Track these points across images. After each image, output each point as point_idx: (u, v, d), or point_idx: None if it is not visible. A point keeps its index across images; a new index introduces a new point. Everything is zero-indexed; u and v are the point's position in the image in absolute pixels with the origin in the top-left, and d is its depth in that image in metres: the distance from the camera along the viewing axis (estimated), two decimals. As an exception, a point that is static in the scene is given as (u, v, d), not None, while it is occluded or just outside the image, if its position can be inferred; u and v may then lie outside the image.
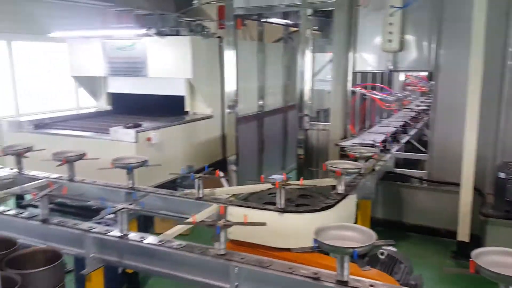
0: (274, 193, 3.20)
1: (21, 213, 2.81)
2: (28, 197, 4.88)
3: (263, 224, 2.43)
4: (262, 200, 3.19)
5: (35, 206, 4.35)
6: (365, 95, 5.99)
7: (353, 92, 5.43)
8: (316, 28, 6.40)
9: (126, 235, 2.52)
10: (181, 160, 5.49)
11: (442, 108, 4.76)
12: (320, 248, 2.03)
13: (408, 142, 5.96)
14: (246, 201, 3.25)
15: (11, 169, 3.84)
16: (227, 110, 6.13)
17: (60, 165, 3.51)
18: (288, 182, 2.95)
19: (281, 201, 2.80)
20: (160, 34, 5.56)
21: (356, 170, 3.30)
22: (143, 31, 5.31)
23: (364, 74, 5.81)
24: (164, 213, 3.31)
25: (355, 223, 4.23)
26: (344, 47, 5.05)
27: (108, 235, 2.53)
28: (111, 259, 2.55)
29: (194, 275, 2.33)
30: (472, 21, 4.01)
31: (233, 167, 6.31)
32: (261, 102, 7.07)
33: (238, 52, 6.06)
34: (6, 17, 7.17)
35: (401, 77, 8.60)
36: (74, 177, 3.57)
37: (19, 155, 3.76)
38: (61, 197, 3.08)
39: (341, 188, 3.18)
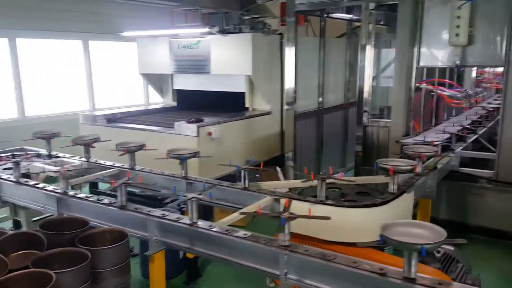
0: (331, 188, 3.26)
1: (102, 200, 3.07)
2: (101, 184, 5.32)
3: (327, 218, 2.44)
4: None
5: (107, 194, 4.76)
6: (432, 92, 5.76)
7: (419, 89, 5.25)
8: (382, 22, 6.26)
9: (195, 223, 2.69)
10: (240, 154, 5.64)
11: (512, 105, 4.46)
12: (387, 244, 2.04)
13: (477, 140, 5.65)
14: (300, 194, 3.31)
15: (80, 158, 4.22)
16: (285, 107, 6.19)
17: (121, 154, 3.82)
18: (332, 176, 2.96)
19: (321, 194, 2.85)
20: (222, 32, 5.75)
21: (409, 168, 3.19)
22: (206, 29, 5.51)
23: (430, 70, 5.59)
24: (224, 204, 3.46)
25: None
26: (408, 42, 4.89)
27: (180, 222, 2.72)
28: (181, 244, 2.76)
29: (257, 264, 2.44)
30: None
31: (290, 163, 6.38)
32: (320, 99, 7.05)
33: (300, 49, 6.09)
34: (82, 18, 7.81)
35: (473, 73, 8.11)
36: (135, 166, 3.86)
37: (88, 145, 4.13)
38: (137, 185, 3.35)
39: (393, 187, 3.10)
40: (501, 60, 4.50)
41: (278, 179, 5.55)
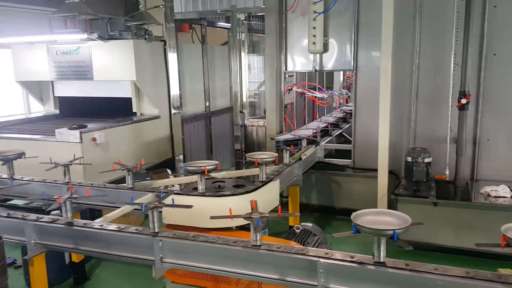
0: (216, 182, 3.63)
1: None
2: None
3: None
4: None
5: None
6: (302, 94, 6.48)
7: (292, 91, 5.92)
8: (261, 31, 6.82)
9: (71, 222, 2.81)
10: (129, 159, 5.72)
11: (361, 103, 5.30)
12: (360, 233, 2.15)
13: (341, 134, 6.52)
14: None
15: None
16: (173, 111, 6.44)
17: (2, 164, 3.75)
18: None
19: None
20: (102, 38, 5.80)
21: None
22: (85, 35, 5.52)
23: (302, 74, 6.29)
24: (107, 205, 3.59)
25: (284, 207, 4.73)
26: (275, 50, 5.50)
27: (56, 223, 2.82)
28: (58, 245, 2.84)
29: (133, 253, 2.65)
30: (382, 24, 4.50)
31: (181, 165, 6.64)
32: (207, 103, 7.42)
33: (183, 55, 6.37)
34: None
35: (341, 76, 9.18)
36: (13, 175, 3.82)
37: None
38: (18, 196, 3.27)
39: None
40: (351, 65, 5.32)
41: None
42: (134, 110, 6.33)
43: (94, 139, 5.09)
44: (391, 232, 2.04)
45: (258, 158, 3.58)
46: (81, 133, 4.93)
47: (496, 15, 4.53)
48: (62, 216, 2.85)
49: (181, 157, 6.70)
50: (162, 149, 6.59)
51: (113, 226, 2.72)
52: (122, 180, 4.67)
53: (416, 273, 2.06)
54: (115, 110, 6.51)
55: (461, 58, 4.58)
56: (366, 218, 2.25)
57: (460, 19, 4.61)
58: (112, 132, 5.46)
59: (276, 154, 3.76)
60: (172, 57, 6.16)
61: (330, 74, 8.44)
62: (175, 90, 6.38)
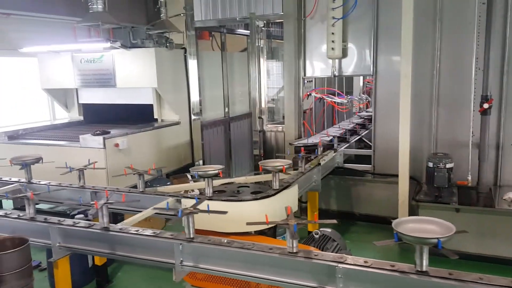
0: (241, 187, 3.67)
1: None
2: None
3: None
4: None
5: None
6: (321, 99, 6.48)
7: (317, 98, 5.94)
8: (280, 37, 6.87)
9: (91, 225, 2.90)
10: (150, 165, 5.79)
11: (381, 108, 5.28)
12: (402, 241, 2.09)
13: (361, 140, 6.48)
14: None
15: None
16: (193, 117, 6.54)
17: (21, 168, 3.89)
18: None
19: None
20: (125, 46, 5.95)
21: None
22: (108, 44, 5.67)
23: (321, 80, 6.29)
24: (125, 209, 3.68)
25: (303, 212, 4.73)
26: (293, 56, 5.54)
27: (77, 226, 2.92)
28: (83, 248, 2.91)
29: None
30: (402, 29, 4.49)
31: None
32: (227, 109, 7.50)
33: (203, 62, 6.47)
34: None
35: (361, 81, 9.13)
36: (31, 179, 3.94)
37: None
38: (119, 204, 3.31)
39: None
40: (370, 70, 5.30)
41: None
42: (155, 117, 6.45)
43: (117, 145, 5.21)
44: (435, 240, 2.00)
45: (271, 166, 3.52)
46: (104, 139, 5.05)
47: (519, 18, 4.46)
48: (85, 220, 2.93)
49: (201, 162, 6.78)
50: (182, 154, 6.69)
51: (149, 231, 2.76)
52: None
53: (461, 283, 1.99)
54: (137, 116, 6.65)
55: (482, 62, 4.52)
56: (407, 226, 2.19)
57: (481, 23, 4.55)
58: (134, 138, 5.58)
59: (290, 162, 3.70)
60: (192, 64, 6.26)
61: (350, 79, 8.40)
62: (195, 97, 6.48)
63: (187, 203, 3.35)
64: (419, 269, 2.07)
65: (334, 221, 2.56)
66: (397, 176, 4.90)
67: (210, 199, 3.23)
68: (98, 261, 4.22)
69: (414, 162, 4.89)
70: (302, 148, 4.42)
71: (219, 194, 3.48)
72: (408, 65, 4.50)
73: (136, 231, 2.79)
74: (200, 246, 2.57)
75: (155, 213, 3.35)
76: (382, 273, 2.14)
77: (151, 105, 6.41)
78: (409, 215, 4.74)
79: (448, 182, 4.47)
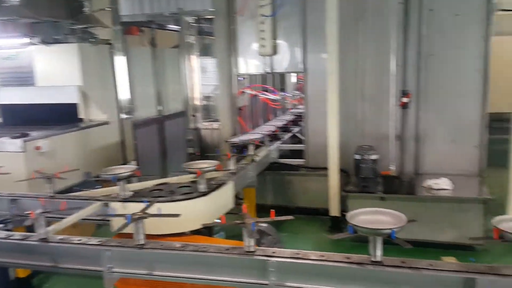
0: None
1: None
2: None
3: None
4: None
5: None
6: (255, 96, 6.56)
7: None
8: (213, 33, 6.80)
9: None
10: (78, 167, 5.54)
11: (311, 104, 5.45)
12: (357, 233, 2.13)
13: (294, 135, 6.65)
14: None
15: None
16: (123, 116, 6.29)
17: None
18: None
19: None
20: (46, 42, 5.57)
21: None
22: (27, 40, 5.28)
23: (256, 76, 6.33)
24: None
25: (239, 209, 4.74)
26: (226, 52, 5.53)
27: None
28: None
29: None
30: (326, 27, 4.66)
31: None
32: (160, 107, 7.31)
33: (133, 58, 6.24)
34: None
35: (294, 78, 9.35)
36: None
37: None
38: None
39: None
40: (301, 67, 5.44)
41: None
42: (81, 116, 6.12)
43: (38, 148, 4.86)
44: (389, 231, 2.06)
45: (197, 168, 3.45)
46: (24, 141, 4.70)
47: (432, 18, 4.81)
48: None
49: (133, 163, 6.55)
50: (113, 156, 6.40)
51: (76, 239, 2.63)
52: (63, 191, 4.51)
53: (415, 270, 2.07)
54: (62, 117, 6.23)
55: (401, 59, 4.82)
56: (361, 218, 2.24)
57: (399, 22, 4.85)
58: (58, 140, 5.25)
59: (217, 162, 3.62)
60: (120, 60, 6.01)
61: (284, 76, 8.58)
62: (124, 95, 6.23)
63: (115, 206, 3.25)
64: (374, 260, 2.13)
65: (291, 217, 2.58)
66: (326, 169, 5.10)
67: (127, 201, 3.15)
68: (22, 273, 3.93)
69: (343, 155, 5.09)
70: (234, 145, 4.45)
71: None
72: (335, 62, 4.69)
73: (79, 240, 2.64)
74: (152, 252, 2.50)
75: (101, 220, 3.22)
76: (340, 266, 2.18)
77: (76, 105, 6.07)
78: (340, 206, 4.98)
79: (373, 173, 4.73)
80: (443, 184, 4.62)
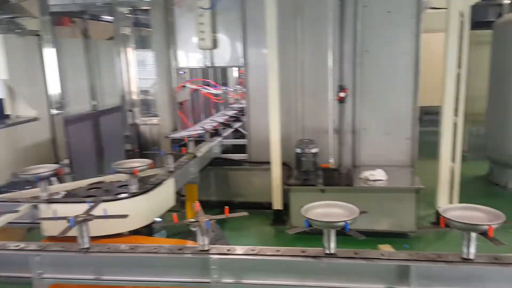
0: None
1: None
2: None
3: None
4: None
5: None
6: (197, 90, 6.43)
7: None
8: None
9: None
10: (5, 167, 5.15)
11: (253, 99, 5.44)
12: (312, 226, 2.14)
13: (237, 130, 6.62)
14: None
15: None
16: (53, 111, 5.91)
17: None
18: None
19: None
20: (-37, 32, 5.08)
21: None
22: None
23: (198, 71, 6.19)
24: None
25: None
26: (164, 45, 5.36)
27: None
28: None
29: None
30: (266, 22, 4.66)
31: (67, 170, 6.14)
32: (94, 102, 6.96)
33: (64, 51, 5.87)
34: None
35: (235, 73, 9.30)
36: None
37: None
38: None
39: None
40: (241, 61, 5.41)
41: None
42: (7, 113, 5.67)
43: (-43, 148, 4.44)
44: (343, 223, 2.10)
45: (128, 168, 3.29)
46: None
47: (366, 14, 4.96)
48: None
49: (66, 161, 6.19)
50: (44, 154, 6.01)
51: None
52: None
53: (369, 261, 2.11)
54: (-15, 113, 5.75)
55: (338, 54, 4.95)
56: (316, 211, 2.26)
57: (336, 18, 4.97)
58: (-20, 138, 4.83)
59: (150, 161, 3.44)
60: (49, 52, 5.64)
61: (225, 70, 8.51)
62: (54, 89, 5.86)
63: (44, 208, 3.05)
64: (328, 252, 2.16)
65: (245, 213, 2.55)
66: (269, 163, 5.13)
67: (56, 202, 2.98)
68: None
69: (285, 149, 5.15)
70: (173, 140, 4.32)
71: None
72: (275, 57, 4.70)
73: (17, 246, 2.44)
74: (99, 255, 2.35)
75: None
76: (295, 260, 2.19)
77: (2, 100, 5.61)
78: (282, 199, 5.04)
79: (314, 166, 4.83)
80: (378, 175, 4.83)
